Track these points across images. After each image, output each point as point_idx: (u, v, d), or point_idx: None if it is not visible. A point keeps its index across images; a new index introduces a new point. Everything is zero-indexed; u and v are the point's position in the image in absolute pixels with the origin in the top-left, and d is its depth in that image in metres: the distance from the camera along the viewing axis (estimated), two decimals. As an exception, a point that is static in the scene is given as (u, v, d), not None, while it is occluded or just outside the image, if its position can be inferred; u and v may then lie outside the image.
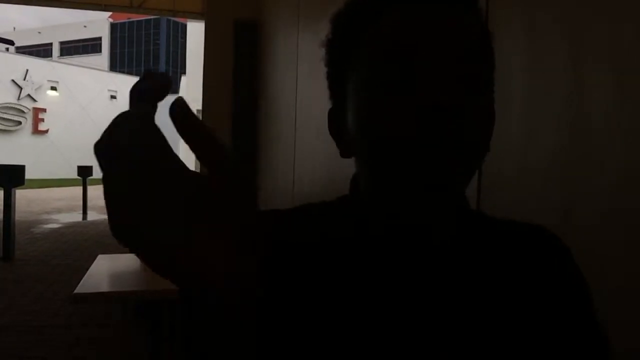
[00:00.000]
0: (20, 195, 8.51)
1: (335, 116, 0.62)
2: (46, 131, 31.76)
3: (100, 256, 3.07)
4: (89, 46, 50.11)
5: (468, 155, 0.53)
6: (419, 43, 0.52)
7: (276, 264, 0.58)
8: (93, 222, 11.62)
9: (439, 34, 0.52)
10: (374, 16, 0.55)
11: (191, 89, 18.09)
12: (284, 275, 0.57)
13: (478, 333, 0.56)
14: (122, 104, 35.93)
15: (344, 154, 0.62)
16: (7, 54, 31.50)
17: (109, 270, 2.94)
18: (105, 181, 0.36)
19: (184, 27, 30.27)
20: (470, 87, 0.52)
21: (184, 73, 21.86)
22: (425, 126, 0.50)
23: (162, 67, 50.50)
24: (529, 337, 0.57)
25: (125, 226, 0.34)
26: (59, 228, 10.58)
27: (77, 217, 12.54)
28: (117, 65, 49.07)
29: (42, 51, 47.56)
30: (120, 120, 0.37)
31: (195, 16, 8.75)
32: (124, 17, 47.73)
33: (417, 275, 0.57)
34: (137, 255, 0.35)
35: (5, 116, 29.99)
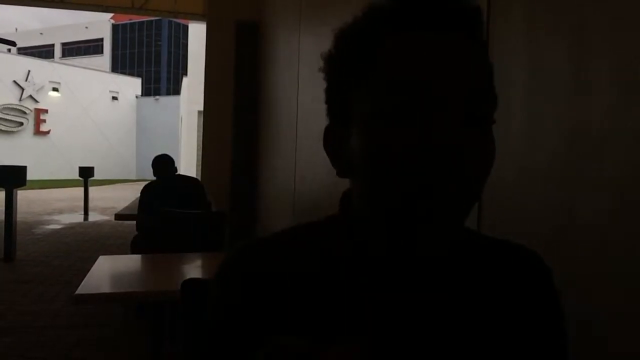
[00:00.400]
0: (22, 196, 8.51)
1: (333, 134, 0.62)
2: (48, 132, 31.80)
3: (101, 257, 3.07)
4: (91, 47, 50.17)
5: (469, 193, 0.53)
6: (430, 77, 0.52)
7: (273, 297, 0.59)
8: (94, 223, 11.62)
9: (453, 69, 0.52)
10: (381, 41, 0.55)
11: (192, 90, 18.10)
12: (283, 308, 0.58)
13: (465, 349, 0.57)
14: (124, 105, 35.99)
15: (341, 173, 0.62)
16: (9, 55, 31.55)
17: (110, 271, 2.94)
18: None
19: (186, 28, 30.33)
20: (475, 125, 0.52)
21: (186, 74, 21.87)
22: (429, 164, 0.50)
23: (163, 68, 50.55)
24: (506, 351, 0.60)
25: None
26: (60, 229, 10.59)
27: (78, 218, 12.55)
28: (118, 66, 49.11)
29: (44, 52, 47.63)
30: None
31: (197, 17, 8.77)
32: (125, 19, 47.78)
33: (412, 294, 0.58)
34: None
35: (7, 117, 30.02)
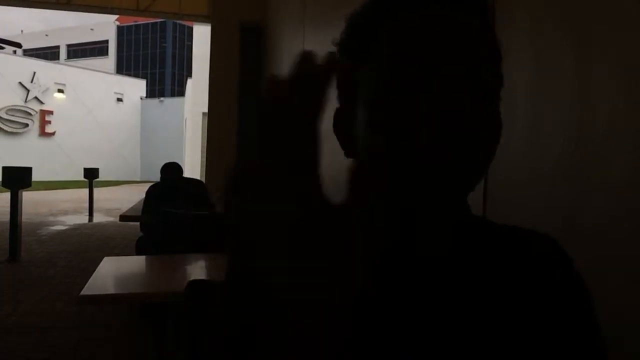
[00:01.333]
0: (27, 197, 8.54)
1: (343, 116, 0.63)
2: (53, 133, 31.91)
3: (106, 258, 3.08)
4: (96, 49, 50.33)
5: (476, 162, 0.53)
6: (437, 48, 0.53)
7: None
8: (99, 224, 11.65)
9: (456, 41, 0.53)
10: (391, 17, 0.56)
11: (197, 91, 18.12)
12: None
13: (480, 340, 0.56)
14: (128, 107, 36.09)
15: (350, 153, 0.62)
16: (14, 57, 31.69)
17: (114, 272, 2.95)
18: None
19: (190, 30, 30.38)
20: (483, 95, 0.53)
21: (190, 76, 21.90)
22: (438, 129, 0.51)
23: (168, 69, 50.67)
24: (530, 343, 0.58)
25: None
26: (65, 230, 10.62)
27: (83, 219, 12.59)
28: (123, 68, 49.26)
29: (49, 54, 47.83)
30: None
31: (202, 19, 8.79)
32: (130, 20, 47.92)
33: (419, 283, 0.58)
34: None
35: (12, 118, 30.14)
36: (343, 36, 0.62)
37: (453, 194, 0.54)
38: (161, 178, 4.76)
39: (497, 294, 0.59)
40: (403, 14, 0.55)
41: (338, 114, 0.63)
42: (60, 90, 32.52)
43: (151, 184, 5.05)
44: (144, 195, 4.97)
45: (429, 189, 0.53)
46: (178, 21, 39.41)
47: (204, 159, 7.95)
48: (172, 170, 4.77)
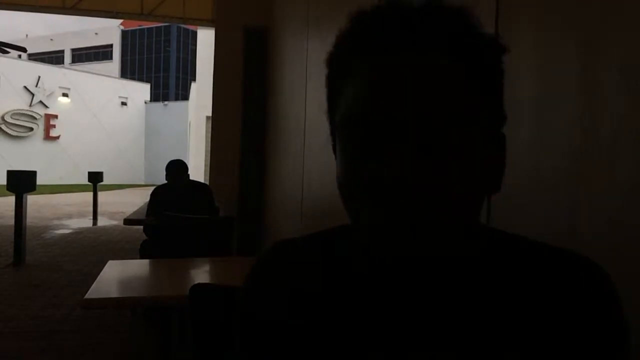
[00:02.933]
0: (32, 200, 8.55)
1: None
2: (57, 137, 32.01)
3: (110, 262, 3.08)
4: (100, 53, 50.51)
5: (438, 218, 0.50)
6: (382, 111, 0.50)
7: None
8: (103, 228, 11.68)
9: (406, 100, 0.49)
10: (352, 63, 0.54)
11: (201, 95, 18.17)
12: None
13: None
14: (133, 111, 36.16)
15: None
16: (19, 61, 31.82)
17: (119, 275, 2.95)
18: None
19: (195, 34, 30.46)
20: (437, 152, 0.50)
21: (194, 80, 21.97)
22: (379, 198, 0.50)
23: (172, 73, 50.79)
24: None
25: None
26: (69, 233, 10.64)
27: (87, 222, 12.61)
28: (128, 72, 49.41)
29: (54, 58, 48.00)
30: None
31: (206, 23, 8.82)
32: (135, 25, 48.08)
33: (433, 305, 0.57)
34: None
35: (17, 122, 30.26)
36: (327, 73, 0.61)
37: (429, 239, 0.51)
38: (166, 176, 4.74)
39: (517, 319, 0.55)
40: (362, 61, 0.53)
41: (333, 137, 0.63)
42: (64, 95, 32.63)
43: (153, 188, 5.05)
44: (148, 199, 4.97)
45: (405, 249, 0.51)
46: (182, 25, 39.53)
47: (208, 163, 7.96)
48: (177, 167, 4.75)
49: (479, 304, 0.56)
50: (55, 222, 12.52)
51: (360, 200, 0.52)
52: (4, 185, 7.24)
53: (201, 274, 3.11)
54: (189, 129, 24.28)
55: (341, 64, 0.56)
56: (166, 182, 4.77)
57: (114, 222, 12.35)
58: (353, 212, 0.54)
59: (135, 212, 5.84)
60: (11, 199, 7.49)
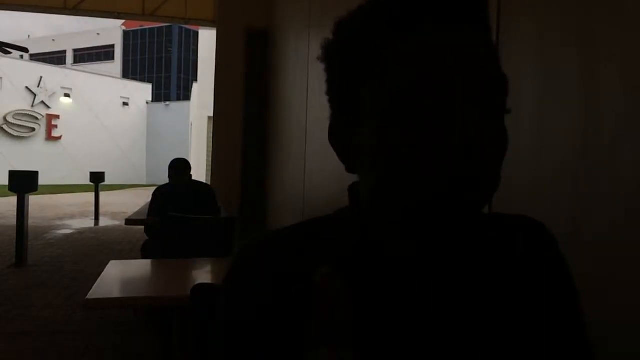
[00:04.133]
0: (34, 201, 8.57)
1: (340, 128, 0.61)
2: (59, 138, 32.03)
3: (112, 262, 3.09)
4: (102, 54, 50.54)
5: (491, 183, 0.53)
6: (445, 76, 0.51)
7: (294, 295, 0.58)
8: (105, 228, 11.69)
9: (466, 66, 0.52)
10: (392, 38, 0.54)
11: (203, 96, 18.17)
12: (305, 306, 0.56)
13: (488, 331, 0.57)
14: (135, 111, 36.19)
15: (351, 169, 0.61)
16: (21, 62, 31.85)
17: (121, 276, 2.96)
18: None
19: (196, 34, 30.43)
20: (493, 117, 0.53)
21: (196, 80, 21.96)
22: (453, 163, 0.50)
23: (174, 74, 50.82)
24: (521, 325, 0.59)
25: None
26: (71, 234, 10.66)
27: (89, 222, 12.62)
28: (129, 72, 49.42)
29: (55, 59, 48.04)
30: None
31: (207, 24, 8.83)
32: (136, 25, 48.10)
33: (432, 282, 0.58)
34: None
35: (19, 123, 30.29)
36: (335, 41, 0.60)
37: (465, 218, 0.54)
38: (169, 175, 4.75)
39: (490, 282, 0.60)
40: (407, 34, 0.53)
41: (334, 126, 0.62)
42: (66, 95, 32.66)
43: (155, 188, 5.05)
44: (149, 199, 4.97)
45: (444, 216, 0.53)
46: (184, 26, 39.54)
47: (210, 163, 7.97)
48: (180, 166, 4.76)
49: (478, 268, 0.60)
50: (57, 222, 12.54)
51: (425, 165, 0.51)
52: (6, 185, 7.24)
53: (202, 275, 3.12)
54: (191, 129, 24.28)
55: (371, 37, 0.55)
56: (169, 181, 4.78)
57: (116, 223, 12.36)
58: (403, 184, 0.53)
59: (136, 213, 5.85)
60: (13, 199, 7.49)
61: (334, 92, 0.61)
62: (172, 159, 4.92)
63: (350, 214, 0.64)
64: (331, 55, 0.60)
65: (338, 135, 0.61)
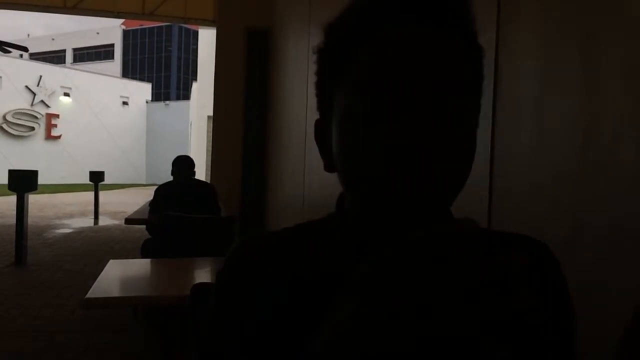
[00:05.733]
0: (33, 200, 8.57)
1: (321, 128, 0.63)
2: (59, 137, 32.02)
3: (111, 261, 3.09)
4: (102, 53, 50.53)
5: (438, 190, 0.53)
6: (397, 77, 0.52)
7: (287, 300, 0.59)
8: (104, 227, 11.68)
9: (418, 67, 0.52)
10: (361, 38, 0.55)
11: (202, 95, 18.16)
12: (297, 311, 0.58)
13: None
14: (134, 110, 36.18)
15: (327, 167, 0.63)
16: (21, 61, 31.83)
17: (120, 275, 2.96)
18: None
19: (196, 34, 30.43)
20: (445, 124, 0.52)
21: (195, 79, 21.96)
22: (394, 164, 0.51)
23: (173, 73, 50.81)
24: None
25: None
26: (70, 233, 10.65)
27: (88, 222, 12.62)
28: (129, 71, 49.41)
29: (55, 58, 48.01)
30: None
31: (207, 23, 8.81)
32: (136, 24, 48.10)
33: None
34: None
35: (18, 122, 30.27)
36: (321, 46, 0.62)
37: (418, 221, 0.53)
38: (172, 172, 4.75)
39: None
40: (374, 35, 0.54)
41: (317, 125, 0.64)
42: (66, 94, 32.65)
43: (155, 187, 5.05)
44: (149, 199, 4.97)
45: (392, 220, 0.53)
46: (184, 25, 39.52)
47: (210, 162, 7.97)
48: (184, 163, 4.77)
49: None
50: (57, 221, 12.53)
51: (370, 164, 0.52)
52: (5, 184, 7.23)
53: (202, 274, 3.12)
54: (190, 128, 24.27)
55: (346, 34, 0.57)
56: (170, 179, 4.78)
57: (116, 222, 12.35)
58: (355, 177, 0.55)
59: (136, 212, 5.84)
60: (12, 199, 7.49)
61: (317, 93, 0.65)
62: (172, 158, 4.92)
63: (336, 217, 0.66)
64: (317, 59, 0.64)
65: (318, 135, 0.65)
